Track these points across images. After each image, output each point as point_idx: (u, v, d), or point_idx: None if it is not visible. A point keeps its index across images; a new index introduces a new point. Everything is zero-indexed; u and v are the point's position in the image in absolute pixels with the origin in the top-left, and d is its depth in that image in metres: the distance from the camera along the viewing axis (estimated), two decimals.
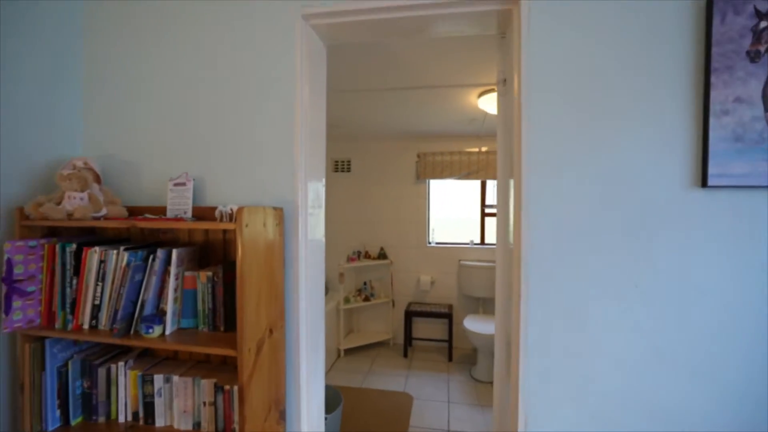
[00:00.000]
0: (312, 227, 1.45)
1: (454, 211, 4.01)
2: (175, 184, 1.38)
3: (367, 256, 3.79)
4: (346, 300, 3.56)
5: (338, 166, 3.99)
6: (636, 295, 1.14)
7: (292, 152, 1.35)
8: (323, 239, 1.62)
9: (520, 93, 1.20)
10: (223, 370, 1.27)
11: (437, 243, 3.90)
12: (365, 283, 3.82)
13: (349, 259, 3.61)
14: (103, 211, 1.28)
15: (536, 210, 1.19)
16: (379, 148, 3.89)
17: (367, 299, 3.67)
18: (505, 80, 1.45)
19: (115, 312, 1.14)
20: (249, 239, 1.06)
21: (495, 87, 2.42)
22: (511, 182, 1.37)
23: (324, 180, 1.64)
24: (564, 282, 1.17)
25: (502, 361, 1.50)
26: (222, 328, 1.18)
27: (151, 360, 1.32)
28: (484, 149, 3.66)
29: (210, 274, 1.19)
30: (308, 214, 1.41)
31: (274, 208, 1.26)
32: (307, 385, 1.37)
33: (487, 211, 3.87)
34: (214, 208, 1.25)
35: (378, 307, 3.82)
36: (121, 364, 1.26)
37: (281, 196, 1.36)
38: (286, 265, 1.35)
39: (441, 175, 3.72)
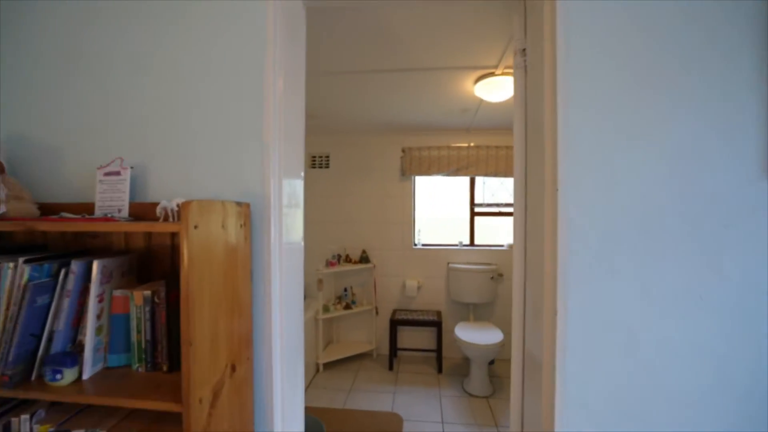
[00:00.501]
0: (288, 228, 1.17)
1: (442, 211, 3.79)
2: (106, 174, 1.07)
3: (348, 259, 3.51)
4: (326, 309, 3.26)
5: (316, 162, 3.68)
6: (701, 310, 0.92)
7: (260, 132, 1.06)
8: (302, 243, 1.34)
9: (555, 61, 0.97)
10: (167, 420, 0.97)
11: (424, 245, 3.67)
12: (346, 290, 3.54)
13: (329, 264, 3.31)
14: (1, 209, 0.95)
15: (577, 208, 0.95)
16: (360, 143, 3.61)
17: (348, 307, 3.38)
18: (524, 50, 1.22)
19: (8, 350, 0.82)
20: (199, 244, 0.77)
21: (494, 71, 2.21)
22: (522, 176, 1.14)
23: (302, 175, 1.36)
24: (610, 295, 0.94)
25: (519, 385, 1.27)
26: (165, 367, 0.88)
27: (68, 409, 1.00)
28: (473, 144, 3.45)
29: (148, 293, 0.88)
30: (283, 214, 1.12)
31: (238, 204, 0.96)
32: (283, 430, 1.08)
33: (476, 210, 3.67)
34: (157, 204, 0.95)
35: (360, 315, 3.54)
36: (25, 417, 0.93)
37: (248, 188, 1.07)
38: (254, 276, 1.06)
39: (428, 172, 3.49)
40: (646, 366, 0.93)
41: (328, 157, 3.66)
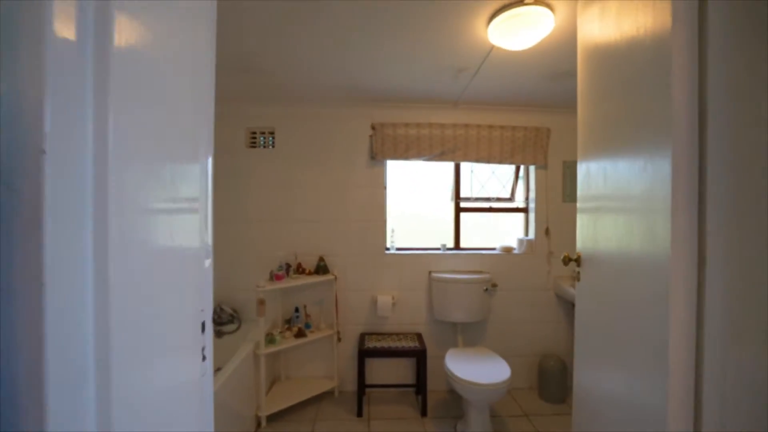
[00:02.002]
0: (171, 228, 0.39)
1: (422, 206, 3.12)
2: None
3: (301, 270, 2.72)
4: (269, 340, 2.45)
5: (256, 140, 2.85)
6: None
7: None
8: (205, 251, 0.57)
9: None
10: None
11: (399, 249, 2.98)
12: (297, 310, 2.74)
13: (274, 277, 2.51)
14: None
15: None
16: (316, 115, 2.84)
17: (301, 334, 2.59)
18: None
19: None
20: None
21: None
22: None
23: (210, 159, 0.66)
24: None
25: None
26: None
27: None
28: (461, 122, 2.82)
29: None
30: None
31: None
32: None
33: (463, 205, 3.04)
34: None
35: (317, 343, 2.76)
36: None
37: None
38: None
39: (405, 155, 2.80)
40: None
41: (272, 133, 2.84)
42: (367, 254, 2.86)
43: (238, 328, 2.70)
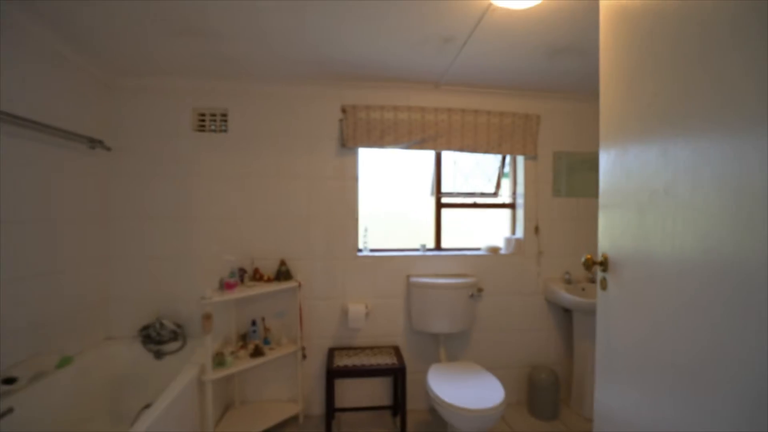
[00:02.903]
0: None
1: (398, 201, 2.81)
2: None
3: (258, 277, 2.35)
4: (218, 362, 2.06)
5: (205, 122, 2.44)
6: None
7: None
8: None
9: None
10: None
11: (373, 251, 2.65)
12: (255, 324, 2.37)
13: (224, 286, 2.12)
14: None
15: None
16: (277, 95, 2.46)
17: (258, 353, 2.22)
18: None
19: None
20: None
21: None
22: None
23: None
24: None
25: None
26: None
27: None
28: (444, 106, 2.53)
29: None
30: None
31: None
32: None
33: (445, 200, 2.76)
34: None
35: (278, 362, 2.39)
36: None
37: None
38: None
39: (380, 142, 2.47)
40: None
41: (225, 115, 2.45)
42: (336, 257, 2.52)
43: (182, 347, 2.29)
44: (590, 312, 2.37)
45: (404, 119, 2.48)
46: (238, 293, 2.11)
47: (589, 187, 2.76)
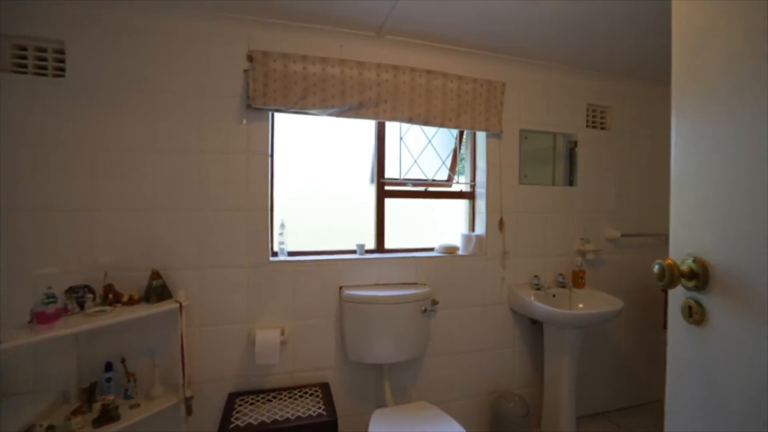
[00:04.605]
0: None
1: (328, 186, 2.19)
2: None
3: (114, 297, 1.59)
4: None
5: (27, 60, 1.62)
6: None
7: None
8: None
9: None
10: None
11: (292, 254, 2.01)
12: (110, 369, 1.61)
13: (34, 318, 1.34)
14: None
15: None
16: (147, 29, 1.71)
17: (108, 417, 1.47)
18: None
19: None
20: None
21: None
22: None
23: None
24: None
25: None
26: None
27: None
28: (389, 63, 1.96)
29: None
30: None
31: None
32: None
33: (388, 188, 2.19)
34: None
35: (149, 423, 1.63)
36: None
37: None
38: None
39: (302, 104, 1.84)
40: None
41: (61, 51, 1.64)
42: (238, 264, 1.83)
43: None
44: (564, 324, 1.96)
45: (335, 75, 1.87)
46: (65, 328, 1.34)
47: (553, 175, 2.39)
